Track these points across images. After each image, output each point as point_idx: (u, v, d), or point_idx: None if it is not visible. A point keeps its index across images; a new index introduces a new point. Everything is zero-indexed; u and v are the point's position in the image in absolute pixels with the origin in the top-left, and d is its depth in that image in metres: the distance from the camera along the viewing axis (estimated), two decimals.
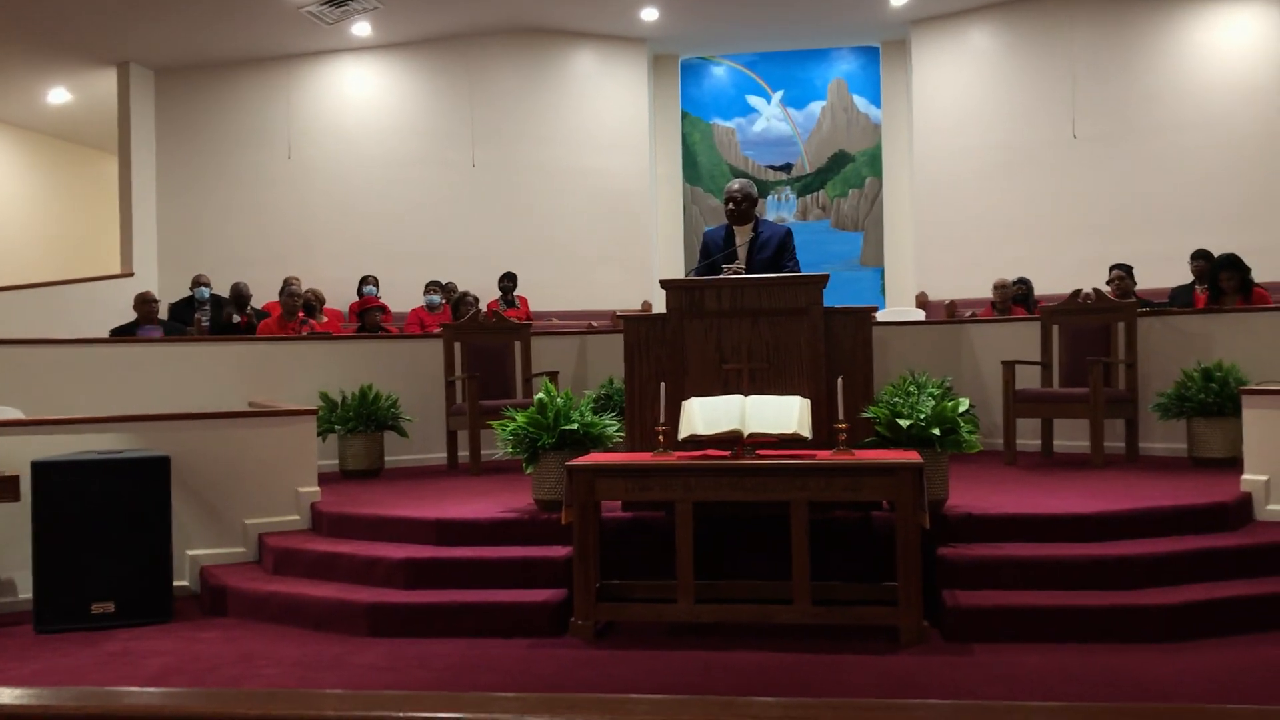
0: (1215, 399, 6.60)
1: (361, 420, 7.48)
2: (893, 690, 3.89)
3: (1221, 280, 7.91)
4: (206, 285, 10.62)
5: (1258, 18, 11.59)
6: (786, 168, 14.36)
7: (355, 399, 7.52)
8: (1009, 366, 7.23)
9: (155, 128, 12.83)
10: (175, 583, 5.30)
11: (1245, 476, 5.45)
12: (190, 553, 5.61)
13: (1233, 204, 11.43)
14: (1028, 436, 7.53)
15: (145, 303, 9.27)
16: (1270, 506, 5.32)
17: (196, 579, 5.57)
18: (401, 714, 1.14)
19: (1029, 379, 7.42)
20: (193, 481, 5.63)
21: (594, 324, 10.53)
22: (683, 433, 4.68)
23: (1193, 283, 9.30)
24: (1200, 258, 9.41)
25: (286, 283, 10.49)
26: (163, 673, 4.28)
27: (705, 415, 4.65)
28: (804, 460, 4.51)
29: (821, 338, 5.16)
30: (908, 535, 4.41)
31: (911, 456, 4.54)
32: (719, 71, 14.50)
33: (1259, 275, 8.18)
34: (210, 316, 10.09)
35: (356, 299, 11.65)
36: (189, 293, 10.82)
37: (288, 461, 5.96)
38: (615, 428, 5.44)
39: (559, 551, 4.99)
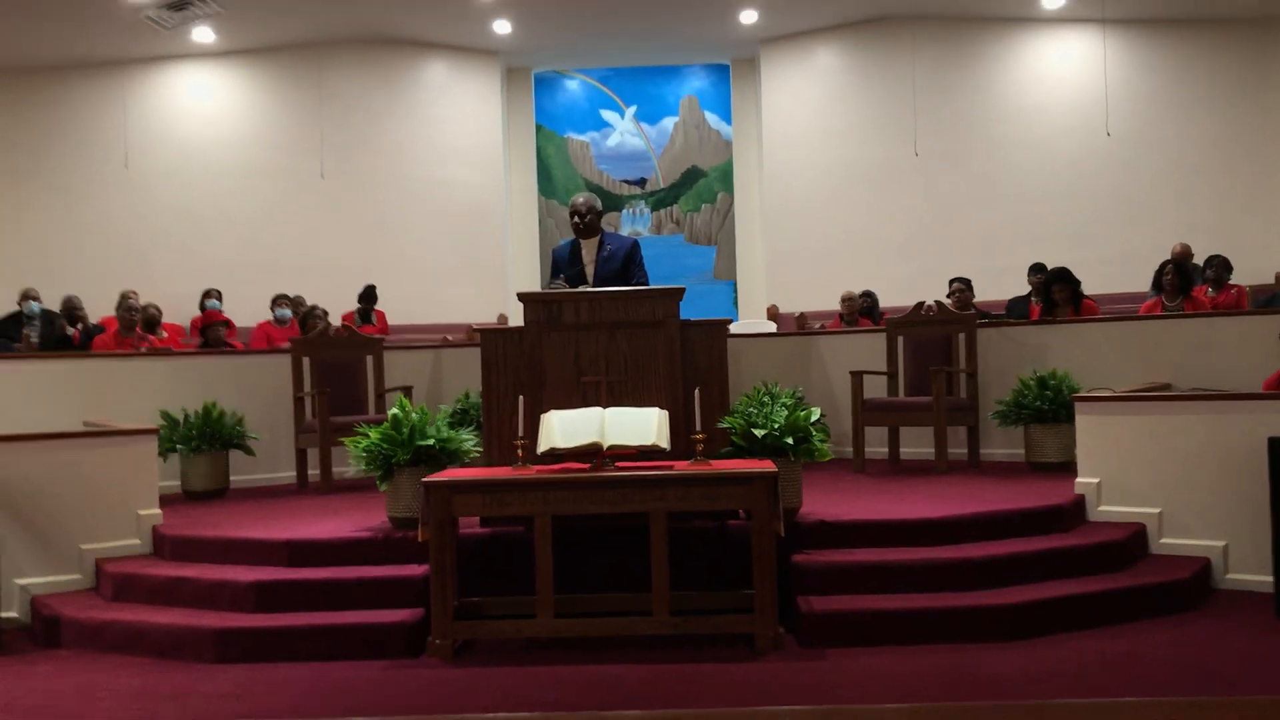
0: (1050, 406, 6.91)
1: (205, 439, 7.20)
2: (750, 697, 3.93)
3: (1054, 292, 8.29)
4: (36, 299, 10.07)
5: (1082, 44, 12.28)
6: (641, 182, 14.49)
7: (198, 417, 7.24)
8: (857, 376, 7.43)
9: None
10: (3, 614, 5.00)
11: (1078, 480, 5.72)
12: (20, 582, 5.29)
13: (1064, 220, 12.06)
14: (876, 444, 7.75)
15: None
16: (1101, 508, 5.59)
17: (27, 610, 5.26)
18: None
19: (876, 388, 7.64)
20: (23, 506, 5.32)
21: (449, 337, 10.39)
22: (542, 446, 4.65)
23: (1029, 294, 9.73)
24: (1036, 271, 9.87)
25: (124, 296, 10.03)
26: None
27: (564, 428, 4.63)
28: (662, 471, 4.54)
29: (678, 350, 5.21)
30: (763, 543, 4.47)
31: (766, 465, 4.62)
32: (573, 85, 14.54)
33: (1088, 288, 8.61)
34: (40, 332, 9.58)
35: (199, 313, 11.24)
36: (16, 307, 10.24)
37: (126, 483, 5.70)
38: (472, 442, 5.38)
39: (415, 570, 4.90)
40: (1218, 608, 4.93)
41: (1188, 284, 8.29)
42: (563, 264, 6.02)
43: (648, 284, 5.93)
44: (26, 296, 10.08)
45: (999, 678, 4.03)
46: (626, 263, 5.94)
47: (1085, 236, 11.85)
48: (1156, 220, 11.64)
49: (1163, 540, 5.41)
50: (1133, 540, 5.30)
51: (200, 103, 12.71)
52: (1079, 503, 5.60)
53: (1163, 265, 8.50)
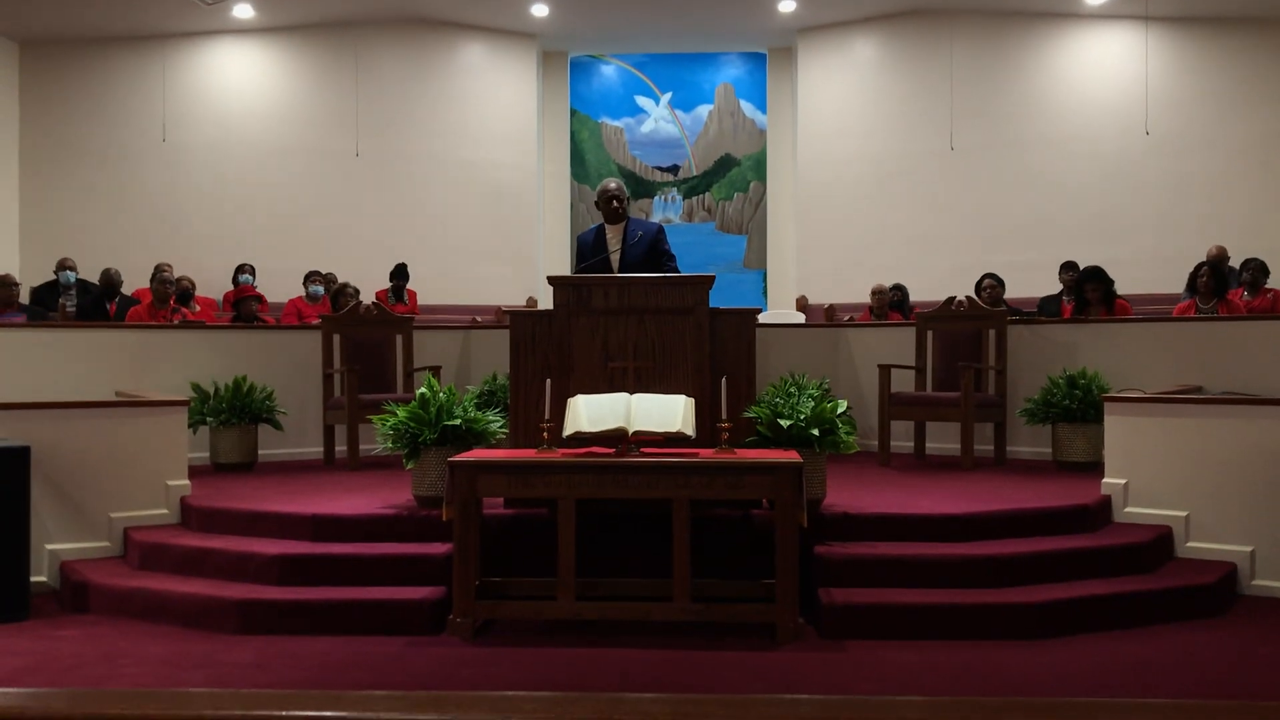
0: (1079, 405, 6.87)
1: (235, 412, 7.27)
2: (769, 686, 3.94)
3: (1086, 291, 8.22)
4: (72, 269, 10.20)
5: (1124, 41, 12.13)
6: (673, 169, 14.47)
7: (228, 390, 7.31)
8: (885, 370, 7.41)
9: (19, 103, 12.26)
10: (33, 579, 5.06)
11: (1105, 480, 5.68)
12: (50, 547, 5.36)
13: (1099, 218, 11.95)
14: (901, 438, 7.72)
15: (5, 286, 8.86)
16: (1128, 509, 5.55)
17: (56, 575, 5.34)
18: (282, 713, 1.10)
19: (904, 382, 7.61)
20: (54, 473, 5.39)
21: (478, 318, 10.44)
22: (568, 429, 4.67)
23: (1060, 293, 9.66)
24: (1068, 269, 9.79)
25: (158, 269, 10.15)
26: (17, 673, 4.09)
27: (590, 412, 4.65)
28: (687, 458, 4.54)
29: (707, 338, 5.20)
30: (786, 533, 4.47)
31: (791, 456, 4.62)
32: (608, 71, 14.52)
33: (1122, 288, 8.54)
34: (76, 302, 9.69)
35: (232, 288, 11.33)
36: (53, 276, 10.37)
37: (156, 454, 5.76)
38: (499, 424, 5.40)
39: (439, 549, 4.93)
40: (1243, 614, 4.89)
41: (1223, 286, 8.20)
42: (588, 250, 6.03)
43: (678, 269, 5.95)
44: (63, 266, 10.21)
45: (1019, 675, 4.02)
46: (653, 247, 5.94)
47: (1121, 236, 11.74)
48: (1193, 221, 11.52)
49: (1189, 544, 5.37)
50: (1158, 543, 5.26)
51: (238, 79, 12.78)
52: (1105, 503, 5.56)
53: (1198, 267, 8.42)
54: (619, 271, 5.84)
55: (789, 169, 14.05)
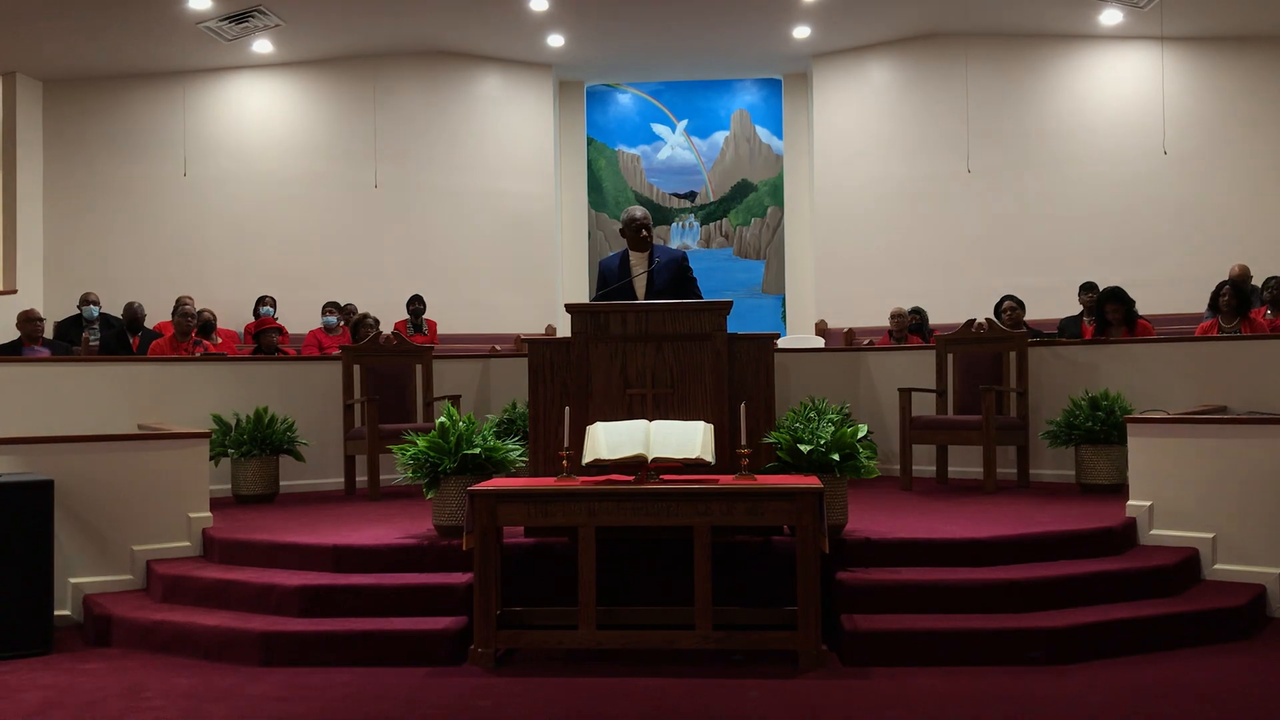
0: (1102, 427, 6.82)
1: (256, 444, 7.29)
2: (793, 715, 3.91)
3: (1107, 312, 8.18)
4: (95, 304, 10.29)
5: (1139, 61, 12.12)
6: (690, 196, 14.52)
7: (250, 422, 7.34)
8: (905, 394, 7.38)
9: (43, 140, 12.41)
10: (56, 612, 5.09)
11: (1130, 502, 5.63)
12: (73, 581, 5.39)
13: (1119, 239, 11.91)
14: (923, 462, 7.68)
15: (29, 321, 8.94)
16: (1153, 531, 5.50)
17: (79, 608, 5.36)
18: None
19: (924, 406, 7.58)
20: (77, 506, 5.42)
21: (497, 347, 10.46)
22: (587, 457, 4.66)
23: (1081, 314, 9.62)
24: (1088, 290, 9.75)
25: (180, 302, 10.23)
26: (41, 707, 4.10)
27: (609, 440, 4.64)
28: (707, 485, 4.53)
29: (725, 363, 5.20)
30: (807, 560, 4.45)
31: (812, 482, 4.59)
32: (624, 99, 14.60)
33: (1143, 308, 8.49)
34: (99, 336, 9.77)
35: (252, 320, 11.40)
36: (76, 311, 10.47)
37: (178, 486, 5.79)
38: (518, 452, 5.40)
39: (459, 578, 4.93)
40: (1273, 637, 4.83)
41: (1245, 305, 8.15)
42: (612, 277, 6.05)
43: (701, 297, 5.97)
44: (86, 301, 10.30)
45: (1044, 701, 3.97)
46: (678, 274, 5.98)
47: (1141, 256, 11.70)
48: (1214, 240, 11.46)
49: (1216, 566, 5.31)
50: (1185, 565, 5.20)
51: (257, 113, 12.91)
52: (1130, 526, 5.51)
53: (1220, 286, 8.37)
54: (646, 297, 5.86)
55: (806, 194, 14.07)
